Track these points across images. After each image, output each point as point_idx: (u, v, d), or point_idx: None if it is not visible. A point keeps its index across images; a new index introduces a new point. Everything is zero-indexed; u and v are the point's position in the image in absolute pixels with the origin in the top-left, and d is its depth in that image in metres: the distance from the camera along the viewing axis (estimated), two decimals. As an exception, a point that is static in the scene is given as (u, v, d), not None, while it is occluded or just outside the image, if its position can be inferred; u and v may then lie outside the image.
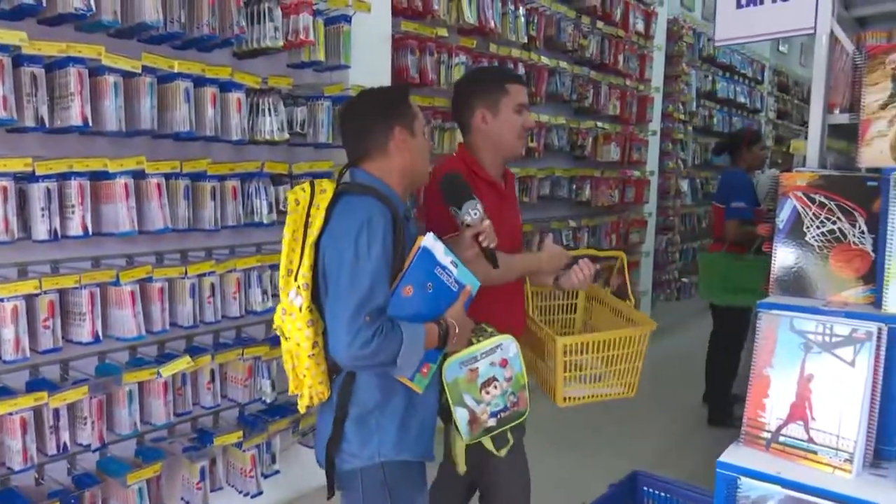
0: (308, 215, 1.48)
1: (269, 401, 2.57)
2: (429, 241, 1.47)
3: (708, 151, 6.75)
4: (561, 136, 4.33)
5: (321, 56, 2.61)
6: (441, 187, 1.64)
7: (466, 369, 1.54)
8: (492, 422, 1.58)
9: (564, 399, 1.92)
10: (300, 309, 1.43)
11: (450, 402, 1.54)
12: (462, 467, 1.72)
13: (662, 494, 1.88)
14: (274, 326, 1.51)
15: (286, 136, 2.49)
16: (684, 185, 6.31)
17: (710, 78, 6.62)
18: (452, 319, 1.50)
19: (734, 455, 1.37)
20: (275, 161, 2.53)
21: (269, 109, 2.44)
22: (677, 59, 5.92)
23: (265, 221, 2.48)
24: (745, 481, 1.29)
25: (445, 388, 1.53)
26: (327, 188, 1.50)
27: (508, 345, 1.59)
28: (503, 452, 1.72)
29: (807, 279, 1.51)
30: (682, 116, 6.07)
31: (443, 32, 3.26)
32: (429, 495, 1.65)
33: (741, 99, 7.33)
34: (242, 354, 2.47)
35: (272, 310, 2.52)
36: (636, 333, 1.85)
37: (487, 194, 1.82)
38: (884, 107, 1.48)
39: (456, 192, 1.61)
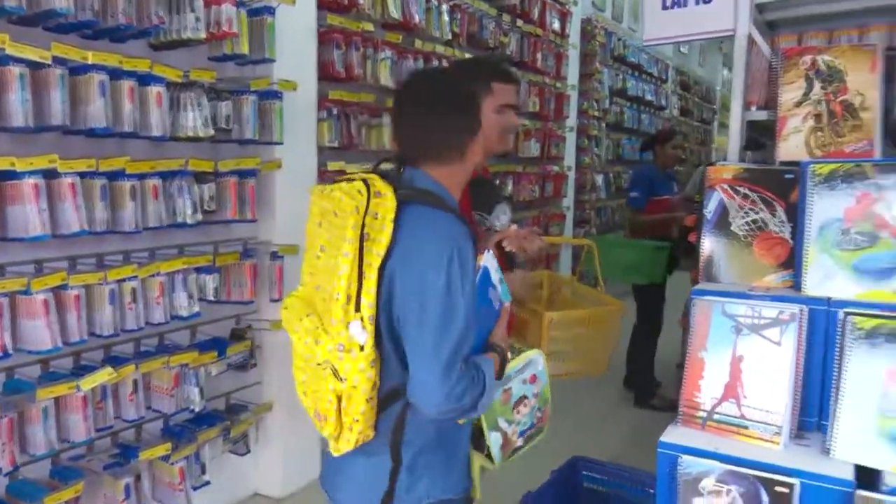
0: (363, 225, 1.20)
1: (197, 409, 2.47)
2: (488, 260, 1.35)
3: (620, 147, 7.04)
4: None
5: (245, 49, 2.52)
6: (471, 192, 1.51)
7: (501, 390, 1.42)
8: (520, 441, 1.49)
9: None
10: (362, 347, 1.19)
11: (484, 427, 1.41)
12: (478, 493, 1.51)
13: (603, 478, 1.95)
14: (319, 360, 1.23)
15: (210, 131, 2.40)
16: (599, 180, 6.55)
17: (620, 76, 6.90)
18: (501, 343, 1.38)
19: (674, 435, 1.43)
20: (199, 158, 2.42)
21: (192, 104, 2.34)
22: (591, 57, 6.13)
23: (189, 222, 2.37)
24: (685, 459, 1.36)
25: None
26: (384, 192, 1.23)
27: (537, 359, 1.51)
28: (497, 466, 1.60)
29: (732, 266, 1.61)
30: (596, 113, 6.29)
31: (368, 27, 3.23)
32: None
33: (649, 97, 7.69)
34: (168, 363, 2.36)
35: (198, 314, 2.43)
36: (612, 311, 1.92)
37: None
38: (798, 104, 1.59)
39: (485, 197, 1.50)
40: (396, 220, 1.22)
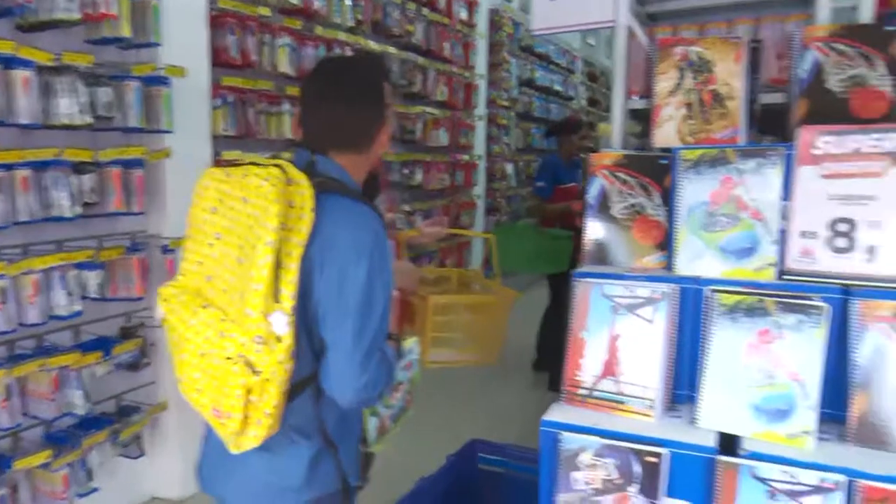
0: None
1: (81, 413, 2.33)
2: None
3: (529, 136, 7.19)
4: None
5: (125, 32, 2.39)
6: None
7: None
8: (390, 424, 1.54)
9: (430, 361, 1.97)
10: (280, 339, 1.15)
11: (365, 412, 1.45)
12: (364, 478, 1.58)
13: (499, 459, 1.99)
14: (228, 355, 1.17)
15: (88, 119, 2.26)
16: (509, 168, 6.67)
17: (529, 66, 7.03)
18: (394, 331, 1.40)
19: (556, 413, 1.48)
20: (76, 147, 2.27)
21: (66, 90, 2.19)
22: (499, 47, 6.21)
23: (67, 215, 2.23)
24: (565, 435, 1.40)
25: None
26: (298, 179, 1.19)
27: (414, 347, 1.55)
28: (380, 448, 1.63)
29: (613, 249, 1.67)
30: (505, 103, 6.39)
31: (265, 12, 3.13)
32: None
33: (557, 87, 7.89)
34: (46, 365, 2.21)
35: (80, 313, 2.29)
36: (500, 300, 1.94)
37: None
38: (671, 93, 1.66)
39: (371, 189, 1.50)
40: (319, 211, 1.19)
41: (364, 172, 1.40)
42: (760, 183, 1.44)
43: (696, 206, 1.50)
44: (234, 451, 1.24)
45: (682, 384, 1.50)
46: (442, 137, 5.02)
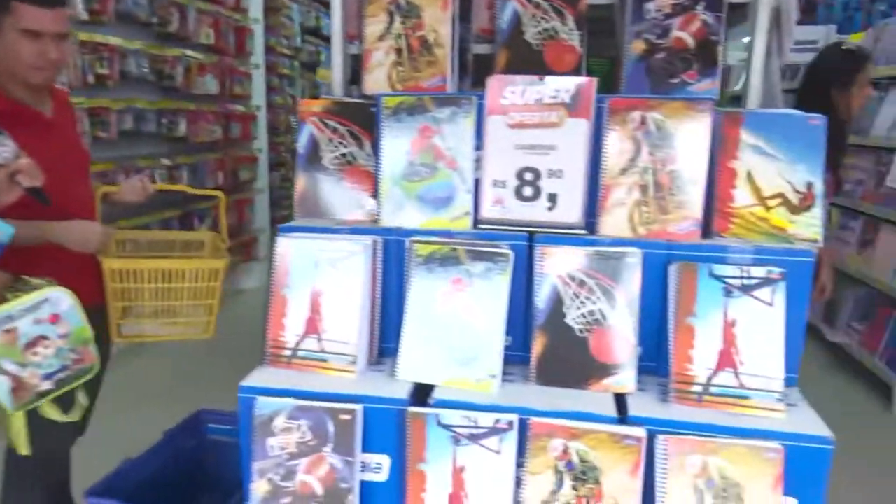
0: None
1: None
2: None
3: (318, 88, 6.92)
4: (141, 63, 3.89)
5: None
6: None
7: (1, 331, 1.32)
8: (47, 384, 1.39)
9: (120, 335, 1.76)
10: None
11: None
12: (23, 448, 1.46)
13: (228, 428, 1.86)
14: None
15: None
16: (294, 121, 6.38)
17: (313, 13, 6.72)
18: None
19: (256, 377, 1.39)
20: None
21: None
22: (277, -10, 5.84)
23: None
24: (260, 400, 1.32)
25: None
26: None
27: (59, 297, 1.39)
28: (75, 416, 1.53)
29: (326, 201, 1.59)
30: (286, 51, 6.06)
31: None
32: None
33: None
34: None
35: None
36: (201, 266, 1.76)
37: (22, 126, 1.54)
38: (381, 38, 1.60)
39: None
40: None
41: None
42: (455, 132, 1.43)
43: (398, 155, 1.47)
44: None
45: (390, 337, 1.48)
46: (209, 85, 4.61)
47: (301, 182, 1.59)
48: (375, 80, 1.60)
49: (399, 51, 1.59)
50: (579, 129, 1.38)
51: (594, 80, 1.37)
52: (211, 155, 4.79)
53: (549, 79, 1.38)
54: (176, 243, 2.07)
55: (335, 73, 1.77)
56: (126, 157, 3.82)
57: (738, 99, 2.05)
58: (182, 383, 3.50)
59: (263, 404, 1.32)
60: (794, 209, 1.37)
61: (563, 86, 1.38)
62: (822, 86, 2.61)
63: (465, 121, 1.42)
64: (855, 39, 3.76)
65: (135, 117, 3.89)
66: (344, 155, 1.58)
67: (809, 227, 1.36)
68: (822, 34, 4.64)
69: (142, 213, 3.84)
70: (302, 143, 1.58)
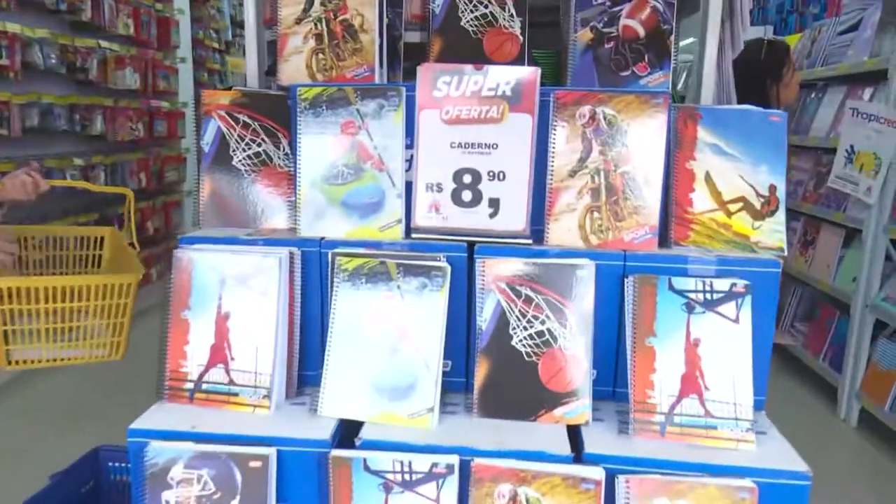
0: None
1: None
2: None
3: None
4: (49, 53, 3.54)
5: None
6: None
7: None
8: None
9: (12, 362, 1.50)
10: None
11: None
12: None
13: (124, 465, 1.63)
14: None
15: None
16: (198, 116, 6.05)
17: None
18: None
19: (149, 418, 1.17)
20: None
21: None
22: (204, -20, 5.51)
23: None
24: (154, 446, 1.11)
25: None
26: None
27: None
28: None
29: (237, 207, 1.38)
30: (216, 45, 5.73)
31: None
32: None
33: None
34: None
35: None
36: (110, 282, 1.51)
37: None
38: (299, 21, 1.40)
39: None
40: None
41: None
42: (383, 128, 1.25)
43: (317, 155, 1.28)
44: None
45: (312, 363, 1.29)
46: (129, 79, 4.26)
47: (207, 185, 1.38)
48: (292, 70, 1.40)
49: (319, 36, 1.40)
50: (523, 125, 1.22)
51: (538, 71, 1.21)
52: (132, 155, 4.44)
53: (488, 68, 1.22)
54: (68, 241, 1.81)
55: (249, 62, 1.57)
56: (31, 156, 3.46)
57: (681, 100, 1.95)
58: (84, 413, 3.11)
59: (157, 451, 1.11)
60: (757, 214, 1.25)
61: (503, 77, 1.21)
62: (757, 80, 2.55)
63: (393, 115, 1.24)
64: (791, 41, 3.76)
65: (42, 113, 3.53)
66: (257, 154, 1.37)
67: (774, 233, 1.24)
68: (759, 35, 4.66)
69: (50, 218, 3.51)
70: (207, 141, 1.38)
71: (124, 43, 4.31)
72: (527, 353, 1.17)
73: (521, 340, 1.17)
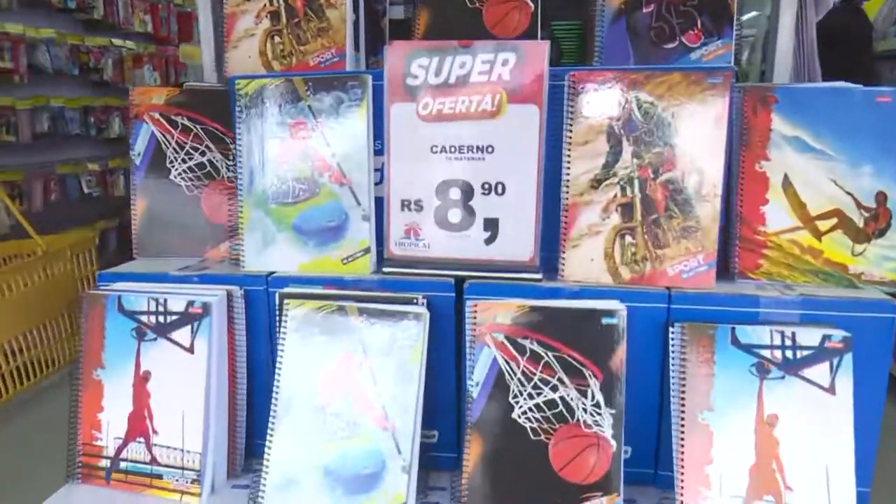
0: None
1: None
2: None
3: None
4: (56, 54, 3.38)
5: None
6: None
7: None
8: None
9: None
10: None
11: None
12: None
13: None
14: None
15: None
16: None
17: None
18: None
19: (63, 502, 0.92)
20: None
21: None
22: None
23: None
24: (44, 555, 0.85)
25: None
26: None
27: None
28: None
29: (175, 232, 1.11)
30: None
31: None
32: None
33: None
34: None
35: None
36: None
37: None
38: (250, -4, 1.12)
39: None
40: None
41: None
42: (342, 129, 0.96)
43: (260, 165, 0.99)
44: None
45: (262, 432, 1.01)
46: (148, 78, 4.11)
47: (140, 205, 1.11)
48: (243, 58, 1.12)
49: (275, 14, 1.11)
50: (527, 120, 0.90)
51: (546, 45, 0.89)
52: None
53: (476, 45, 0.91)
54: None
55: (204, 52, 1.30)
56: (40, 163, 3.33)
57: (744, 79, 1.59)
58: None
59: (45, 561, 0.85)
60: (859, 234, 0.90)
61: (499, 55, 0.90)
62: (848, 49, 2.13)
63: (355, 112, 0.95)
64: (874, 6, 3.28)
65: (52, 117, 3.39)
66: (201, 165, 1.10)
67: (884, 261, 0.89)
68: None
69: (66, 226, 3.36)
70: (139, 151, 1.11)
71: (143, 40, 4.15)
72: (533, 431, 0.86)
73: (524, 413, 0.86)
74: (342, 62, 1.10)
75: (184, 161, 1.10)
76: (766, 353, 0.82)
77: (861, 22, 2.14)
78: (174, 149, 1.10)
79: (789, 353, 0.82)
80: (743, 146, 0.92)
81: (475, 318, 0.88)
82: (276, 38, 1.11)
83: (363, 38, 1.16)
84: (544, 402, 0.86)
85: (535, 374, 0.86)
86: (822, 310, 0.84)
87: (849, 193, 0.90)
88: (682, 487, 0.81)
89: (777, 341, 0.82)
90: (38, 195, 3.28)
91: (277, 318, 0.94)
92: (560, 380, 0.86)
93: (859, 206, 0.90)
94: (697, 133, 0.87)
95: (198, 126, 1.10)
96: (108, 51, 3.77)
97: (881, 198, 0.89)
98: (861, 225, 0.89)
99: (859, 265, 0.89)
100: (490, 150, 0.92)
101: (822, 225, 0.90)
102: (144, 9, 4.09)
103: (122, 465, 0.95)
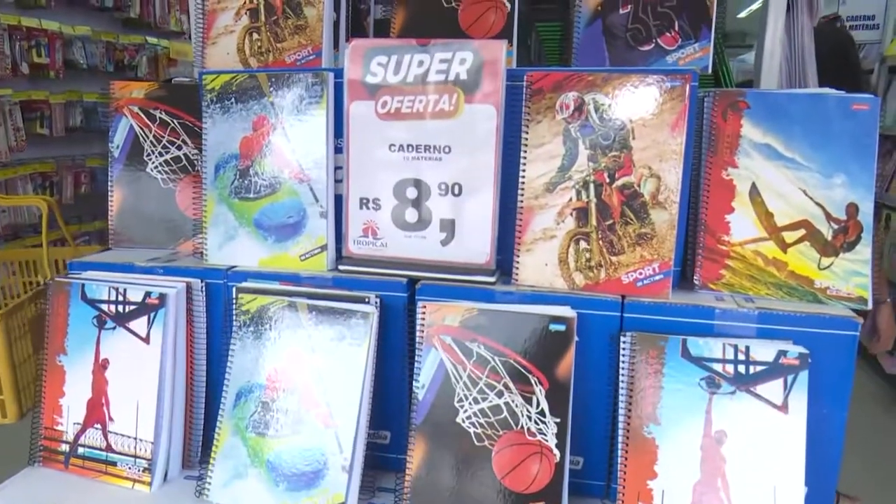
0: None
1: None
2: None
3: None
4: (91, 52, 3.50)
5: None
6: None
7: None
8: None
9: None
10: None
11: None
12: None
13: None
14: None
15: None
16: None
17: None
18: None
19: (14, 487, 0.94)
20: None
21: None
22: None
23: None
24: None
25: None
26: None
27: None
28: None
29: (151, 224, 1.13)
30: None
31: None
32: None
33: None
34: None
35: None
36: None
37: None
38: (231, -7, 1.13)
39: None
40: None
41: None
42: (303, 126, 0.96)
43: (225, 160, 1.00)
44: None
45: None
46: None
47: (118, 196, 1.14)
48: (221, 54, 1.13)
49: (254, 11, 1.12)
50: (484, 120, 0.89)
51: (503, 44, 0.87)
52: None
53: (434, 43, 0.90)
54: None
55: (193, 48, 1.31)
56: (70, 156, 3.44)
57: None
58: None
59: (-6, 540, 0.87)
60: (827, 247, 0.86)
61: (456, 54, 0.89)
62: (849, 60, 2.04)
63: (315, 110, 0.95)
64: None
65: (85, 112, 3.50)
66: (177, 159, 1.12)
67: (851, 276, 0.85)
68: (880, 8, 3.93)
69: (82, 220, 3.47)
70: (117, 143, 1.13)
71: (178, 39, 4.26)
72: (477, 436, 0.84)
73: (469, 417, 0.85)
74: (318, 60, 1.10)
75: (160, 154, 1.12)
76: (717, 366, 0.79)
77: (841, 38, 2.04)
78: (151, 142, 1.12)
79: (742, 368, 0.78)
80: (710, 152, 0.89)
81: (424, 319, 0.87)
82: (255, 35, 1.12)
83: (343, 37, 1.16)
84: (489, 408, 0.84)
85: (480, 379, 0.85)
86: (780, 324, 0.80)
87: (818, 204, 0.86)
88: (623, 502, 0.79)
89: (730, 355, 0.79)
90: (69, 187, 3.39)
91: (232, 313, 0.95)
92: (506, 385, 0.84)
93: (829, 217, 0.86)
94: (655, 138, 0.85)
95: (175, 120, 1.11)
96: (143, 48, 3.88)
97: (852, 210, 0.85)
98: (829, 237, 0.85)
99: (825, 279, 0.85)
100: (447, 150, 0.91)
101: (789, 236, 0.86)
102: (181, 8, 4.19)
103: (80, 450, 0.97)
